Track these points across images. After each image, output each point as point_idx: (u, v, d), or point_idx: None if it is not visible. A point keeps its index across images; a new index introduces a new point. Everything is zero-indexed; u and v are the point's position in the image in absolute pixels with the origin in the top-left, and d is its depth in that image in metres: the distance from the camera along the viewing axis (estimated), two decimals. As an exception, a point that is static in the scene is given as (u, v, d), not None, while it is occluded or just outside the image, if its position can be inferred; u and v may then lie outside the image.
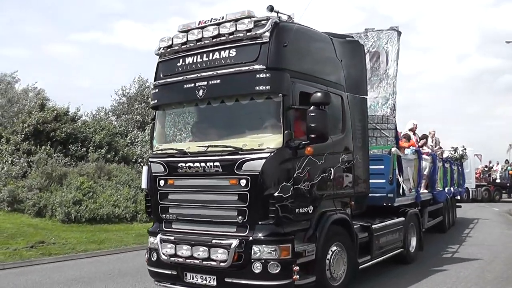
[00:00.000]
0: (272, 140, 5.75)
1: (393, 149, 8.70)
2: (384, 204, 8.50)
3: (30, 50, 55.60)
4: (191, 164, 6.05)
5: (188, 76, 6.24)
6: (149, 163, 6.68)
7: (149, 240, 6.58)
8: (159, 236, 6.30)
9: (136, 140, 21.74)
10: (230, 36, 5.97)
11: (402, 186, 8.89)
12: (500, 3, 74.21)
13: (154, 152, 6.74)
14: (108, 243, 11.86)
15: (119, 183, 16.51)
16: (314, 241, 6.01)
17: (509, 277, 8.05)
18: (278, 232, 5.68)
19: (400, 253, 8.53)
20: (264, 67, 5.72)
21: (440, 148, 13.76)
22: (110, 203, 14.78)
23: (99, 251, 11.07)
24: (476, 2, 75.77)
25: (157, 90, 6.75)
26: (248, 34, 5.86)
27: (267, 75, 5.71)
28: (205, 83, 6.05)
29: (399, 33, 9.15)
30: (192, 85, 6.16)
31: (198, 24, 6.28)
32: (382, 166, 8.45)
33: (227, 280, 5.77)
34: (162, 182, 6.39)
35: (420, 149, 11.17)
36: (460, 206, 16.90)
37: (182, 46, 6.36)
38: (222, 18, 6.11)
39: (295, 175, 5.78)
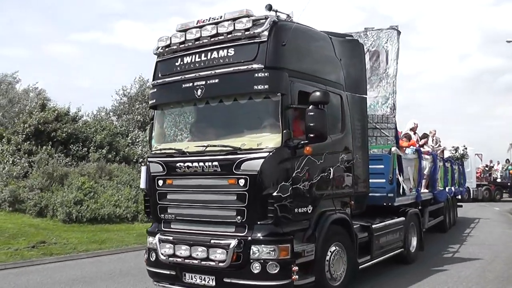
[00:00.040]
0: (270, 140, 5.72)
1: (393, 149, 8.66)
2: (384, 204, 8.47)
3: (30, 50, 55.77)
4: (190, 164, 6.03)
5: (186, 76, 6.22)
6: (147, 163, 6.67)
7: (148, 240, 6.57)
8: (157, 236, 6.29)
9: (137, 140, 21.76)
10: (228, 36, 5.94)
11: (402, 186, 8.85)
12: (501, 3, 74.16)
13: (153, 152, 6.73)
14: (109, 243, 11.86)
15: (120, 183, 16.52)
16: (314, 241, 5.99)
17: (510, 277, 8.03)
18: (277, 232, 5.66)
19: (401, 253, 8.50)
20: (263, 66, 5.70)
21: (440, 146, 13.68)
22: (111, 203, 14.78)
23: (100, 251, 11.06)
24: (477, 1, 75.74)
25: (155, 90, 6.73)
26: (247, 33, 5.83)
27: (266, 74, 5.69)
28: (203, 82, 6.03)
29: (399, 32, 9.11)
30: (191, 84, 6.14)
31: (197, 24, 6.25)
32: (382, 166, 8.43)
33: (226, 280, 5.75)
34: (160, 182, 6.37)
35: (421, 148, 11.13)
36: (461, 206, 16.87)
37: (181, 46, 6.35)
38: (221, 17, 6.08)
39: (294, 174, 5.76)
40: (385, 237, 7.87)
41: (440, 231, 12.88)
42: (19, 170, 15.91)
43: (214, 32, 6.03)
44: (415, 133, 11.59)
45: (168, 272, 6.24)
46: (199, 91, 6.07)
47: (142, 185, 7.07)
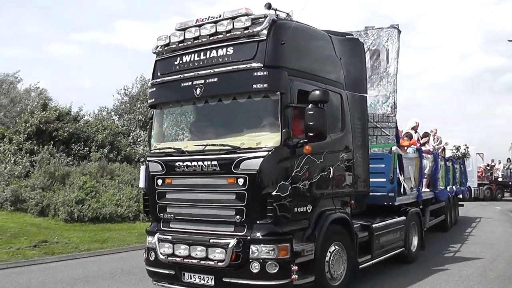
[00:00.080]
0: (270, 139, 5.70)
1: (394, 148, 8.64)
2: (385, 203, 8.43)
3: (31, 50, 55.89)
4: (189, 163, 6.01)
5: (185, 75, 6.20)
6: (146, 162, 6.66)
7: (147, 240, 6.55)
8: (157, 235, 6.27)
9: (139, 140, 21.78)
10: (228, 34, 5.92)
11: (403, 185, 8.82)
12: (502, 2, 73.92)
13: (152, 151, 6.72)
14: (111, 242, 11.87)
15: (122, 182, 16.53)
16: (313, 241, 5.96)
17: (511, 276, 7.99)
18: (276, 232, 5.63)
19: (401, 252, 8.47)
20: (262, 65, 5.67)
21: (441, 144, 13.62)
22: (113, 202, 14.79)
23: (102, 250, 11.08)
24: (478, 1, 75.60)
25: (154, 89, 6.70)
26: (246, 32, 5.81)
27: (265, 73, 5.66)
28: (202, 81, 6.01)
29: (399, 31, 9.08)
30: (190, 83, 6.12)
31: (196, 22, 6.22)
32: (383, 165, 8.39)
33: (225, 280, 5.73)
34: (160, 181, 6.35)
35: (422, 147, 11.09)
36: (462, 205, 16.85)
37: (180, 44, 6.32)
38: (220, 16, 6.05)
39: (293, 174, 5.74)
40: (386, 237, 7.84)
41: (441, 230, 12.86)
42: (21, 170, 15.92)
43: (213, 31, 6.01)
44: (416, 132, 11.56)
45: (167, 272, 6.22)
46: (198, 90, 6.05)
47: (141, 184, 7.05)
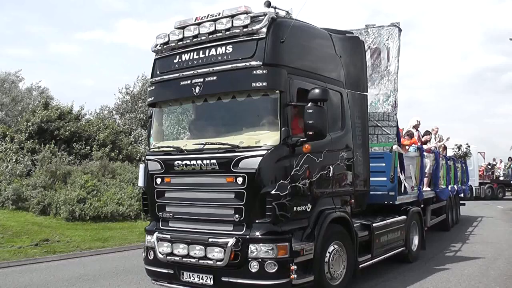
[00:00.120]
0: (269, 138, 5.67)
1: (395, 147, 8.61)
2: (385, 202, 8.41)
3: (33, 49, 56.00)
4: (188, 162, 5.99)
5: (184, 73, 6.18)
6: (146, 161, 6.63)
7: (146, 239, 6.52)
8: (155, 234, 6.24)
9: (140, 139, 21.83)
10: (227, 32, 5.89)
11: (404, 184, 8.79)
12: (503, 0, 73.67)
13: (151, 150, 6.69)
14: (112, 241, 11.89)
15: (123, 181, 16.52)
16: (313, 240, 5.93)
17: (513, 275, 7.98)
18: (275, 231, 5.60)
19: (402, 252, 8.44)
20: (261, 63, 5.64)
21: (441, 140, 13.55)
22: (114, 201, 14.77)
23: (103, 249, 11.10)
24: (479, -1, 75.27)
25: (153, 87, 6.68)
26: (245, 30, 5.78)
27: (264, 71, 5.63)
28: (201, 80, 5.99)
29: (400, 30, 9.06)
30: (189, 82, 6.10)
31: (195, 20, 6.20)
32: (383, 164, 8.37)
33: (223, 279, 5.71)
34: (158, 180, 6.33)
35: (423, 146, 11.04)
36: (464, 204, 16.80)
37: (179, 43, 6.30)
38: (219, 14, 6.03)
39: (292, 172, 5.71)
40: (386, 236, 7.81)
41: (442, 229, 12.84)
42: (22, 169, 15.94)
43: (212, 29, 5.98)
44: (417, 131, 11.50)
45: (166, 271, 6.20)
46: (197, 89, 6.02)
47: (141, 183, 7.04)
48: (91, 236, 12.12)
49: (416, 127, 11.39)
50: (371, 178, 7.57)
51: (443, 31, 76.81)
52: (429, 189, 10.92)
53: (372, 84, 8.71)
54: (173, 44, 6.37)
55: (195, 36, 6.15)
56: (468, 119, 70.41)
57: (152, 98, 6.72)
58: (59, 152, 17.39)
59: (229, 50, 5.91)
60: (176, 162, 6.11)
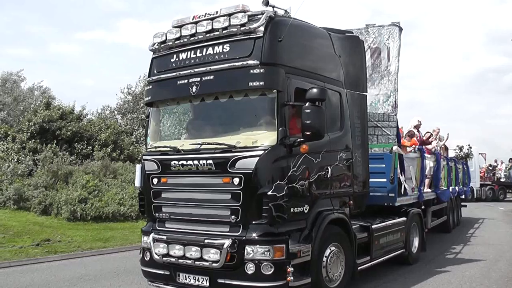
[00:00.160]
0: (266, 138, 5.61)
1: (395, 148, 8.53)
2: (385, 203, 8.34)
3: (34, 49, 56.19)
4: (184, 162, 5.94)
5: (181, 72, 6.13)
6: (142, 161, 6.59)
7: (143, 240, 6.49)
8: (151, 235, 6.20)
9: (142, 139, 21.79)
10: (224, 31, 5.84)
11: (404, 186, 8.71)
12: (505, 1, 73.32)
13: (148, 150, 6.65)
14: (114, 241, 11.87)
15: (125, 181, 16.48)
16: (310, 242, 5.86)
17: (514, 277, 7.92)
18: (272, 232, 5.54)
19: (402, 253, 8.36)
20: (258, 62, 5.59)
21: (442, 139, 13.46)
22: (116, 201, 14.75)
23: (104, 249, 11.08)
24: (481, 0, 75.08)
25: (151, 87, 6.64)
26: (242, 28, 5.73)
27: (261, 70, 5.58)
28: (198, 79, 5.94)
29: (401, 29, 8.99)
30: (186, 81, 6.05)
31: (192, 19, 6.16)
32: (383, 165, 8.30)
33: (219, 281, 5.65)
34: (155, 180, 6.28)
35: (424, 147, 10.95)
36: (465, 206, 16.70)
37: (176, 42, 6.25)
38: (216, 12, 5.98)
39: (289, 173, 5.64)
40: (386, 238, 7.73)
41: (444, 231, 12.77)
42: (24, 168, 15.98)
43: (209, 27, 5.93)
44: (418, 131, 11.42)
45: (162, 272, 6.15)
46: (194, 88, 5.97)
47: (137, 183, 7.00)
48: (92, 236, 12.10)
49: (417, 127, 11.31)
50: (370, 179, 7.51)
51: (445, 32, 76.68)
52: (429, 190, 10.84)
53: (372, 84, 8.65)
54: (170, 43, 6.32)
55: (193, 35, 6.10)
56: (470, 119, 70.26)
57: (149, 98, 6.67)
58: (61, 152, 17.43)
59: (226, 49, 5.86)
60: (172, 162, 6.06)
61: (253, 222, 5.54)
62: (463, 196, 15.68)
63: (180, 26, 6.22)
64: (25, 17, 58.38)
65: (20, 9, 56.11)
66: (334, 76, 6.81)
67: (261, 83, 5.57)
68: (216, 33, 5.91)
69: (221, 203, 5.73)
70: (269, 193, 5.43)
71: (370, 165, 7.49)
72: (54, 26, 63.92)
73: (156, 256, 6.10)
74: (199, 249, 5.70)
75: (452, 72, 75.93)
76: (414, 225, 9.02)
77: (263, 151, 5.52)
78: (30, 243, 10.75)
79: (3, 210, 13.89)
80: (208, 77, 5.88)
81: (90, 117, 22.32)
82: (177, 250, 5.90)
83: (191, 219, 6.01)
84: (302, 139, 5.66)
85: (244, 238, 5.53)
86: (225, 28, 5.83)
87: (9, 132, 18.36)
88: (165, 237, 6.07)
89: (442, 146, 13.54)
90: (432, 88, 77.77)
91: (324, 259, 6.08)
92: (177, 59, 6.25)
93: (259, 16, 5.78)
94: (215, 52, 5.93)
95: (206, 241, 5.69)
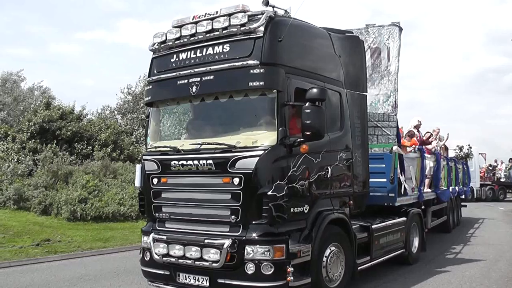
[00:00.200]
0: (266, 138, 5.61)
1: (395, 148, 8.53)
2: (385, 203, 8.34)
3: (34, 49, 56.20)
4: (184, 162, 5.94)
5: (181, 72, 6.13)
6: (142, 161, 6.59)
7: (143, 240, 6.49)
8: (151, 235, 6.20)
9: (142, 139, 21.79)
10: (224, 31, 5.84)
11: (404, 185, 8.71)
12: (505, 1, 73.31)
13: (148, 150, 6.65)
14: (114, 241, 11.87)
15: (125, 181, 16.48)
16: (310, 242, 5.86)
17: (514, 277, 7.91)
18: (272, 232, 5.54)
19: (402, 253, 8.36)
20: (258, 62, 5.59)
21: (442, 139, 13.46)
22: (116, 201, 14.75)
23: (104, 249, 11.08)
24: (481, 0, 75.09)
25: (151, 87, 6.64)
26: (242, 28, 5.73)
27: (261, 70, 5.58)
28: (198, 79, 5.93)
29: (401, 29, 8.98)
30: (186, 81, 6.05)
31: (192, 19, 6.16)
32: (383, 165, 8.30)
33: (219, 281, 5.65)
34: (155, 180, 6.28)
35: (424, 147, 10.96)
36: (465, 206, 16.70)
37: (176, 42, 6.25)
38: (216, 12, 5.98)
39: (289, 173, 5.64)
40: (386, 238, 7.73)
41: (444, 231, 12.77)
42: (24, 168, 15.99)
43: (209, 27, 5.93)
44: (418, 131, 11.42)
45: (162, 272, 6.15)
46: (194, 88, 5.97)
47: (137, 183, 7.00)
48: (92, 236, 12.10)
49: (417, 127, 11.31)
50: (370, 179, 7.51)
51: (445, 32, 76.70)
52: (429, 190, 10.84)
53: (372, 84, 8.65)
54: (170, 43, 6.32)
55: (192, 35, 6.10)
56: (470, 120, 70.30)
57: (149, 98, 6.67)
58: (61, 152, 17.44)
59: (226, 49, 5.86)
60: (172, 162, 6.06)
61: (253, 222, 5.54)
62: (463, 196, 15.68)
63: (180, 26, 6.22)
64: (25, 17, 58.45)
65: (20, 9, 56.16)
66: (334, 76, 6.81)
67: (261, 83, 5.57)
68: (216, 33, 5.91)
69: (221, 203, 5.73)
70: (269, 193, 5.44)
71: (370, 165, 7.50)
72: (54, 26, 63.99)
73: (156, 256, 6.10)
74: (199, 249, 5.70)
75: (452, 72, 76.07)
76: (414, 225, 9.02)
77: (263, 151, 5.52)
78: (30, 243, 10.75)
79: (3, 210, 13.90)
80: (208, 77, 5.88)
81: (90, 117, 22.34)
82: (177, 250, 5.90)
83: (191, 219, 6.01)
84: (302, 139, 5.66)
85: (244, 238, 5.53)
86: (225, 28, 5.83)
87: (9, 132, 18.36)
88: (165, 237, 6.07)
89: (442, 146, 13.53)
90: (432, 88, 77.91)
91: (324, 259, 6.08)
92: (177, 59, 6.25)
93: (259, 16, 5.78)
94: (215, 52, 5.93)
95: (206, 241, 5.69)
